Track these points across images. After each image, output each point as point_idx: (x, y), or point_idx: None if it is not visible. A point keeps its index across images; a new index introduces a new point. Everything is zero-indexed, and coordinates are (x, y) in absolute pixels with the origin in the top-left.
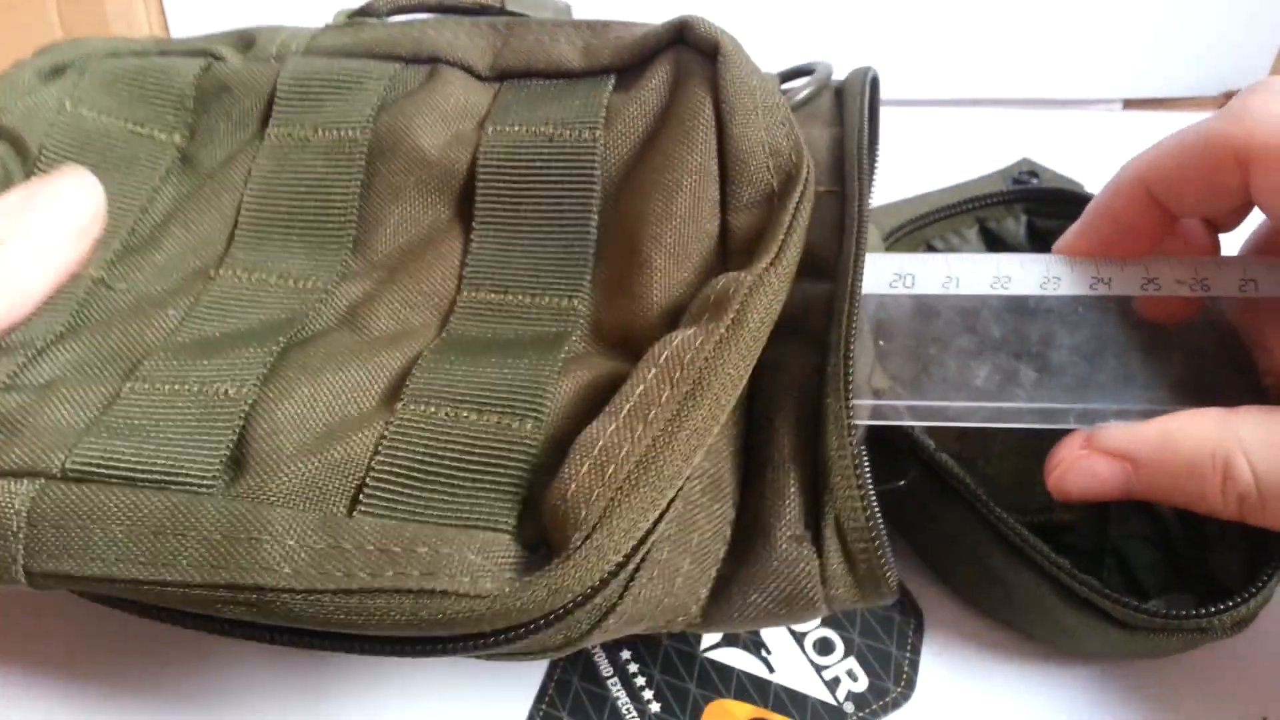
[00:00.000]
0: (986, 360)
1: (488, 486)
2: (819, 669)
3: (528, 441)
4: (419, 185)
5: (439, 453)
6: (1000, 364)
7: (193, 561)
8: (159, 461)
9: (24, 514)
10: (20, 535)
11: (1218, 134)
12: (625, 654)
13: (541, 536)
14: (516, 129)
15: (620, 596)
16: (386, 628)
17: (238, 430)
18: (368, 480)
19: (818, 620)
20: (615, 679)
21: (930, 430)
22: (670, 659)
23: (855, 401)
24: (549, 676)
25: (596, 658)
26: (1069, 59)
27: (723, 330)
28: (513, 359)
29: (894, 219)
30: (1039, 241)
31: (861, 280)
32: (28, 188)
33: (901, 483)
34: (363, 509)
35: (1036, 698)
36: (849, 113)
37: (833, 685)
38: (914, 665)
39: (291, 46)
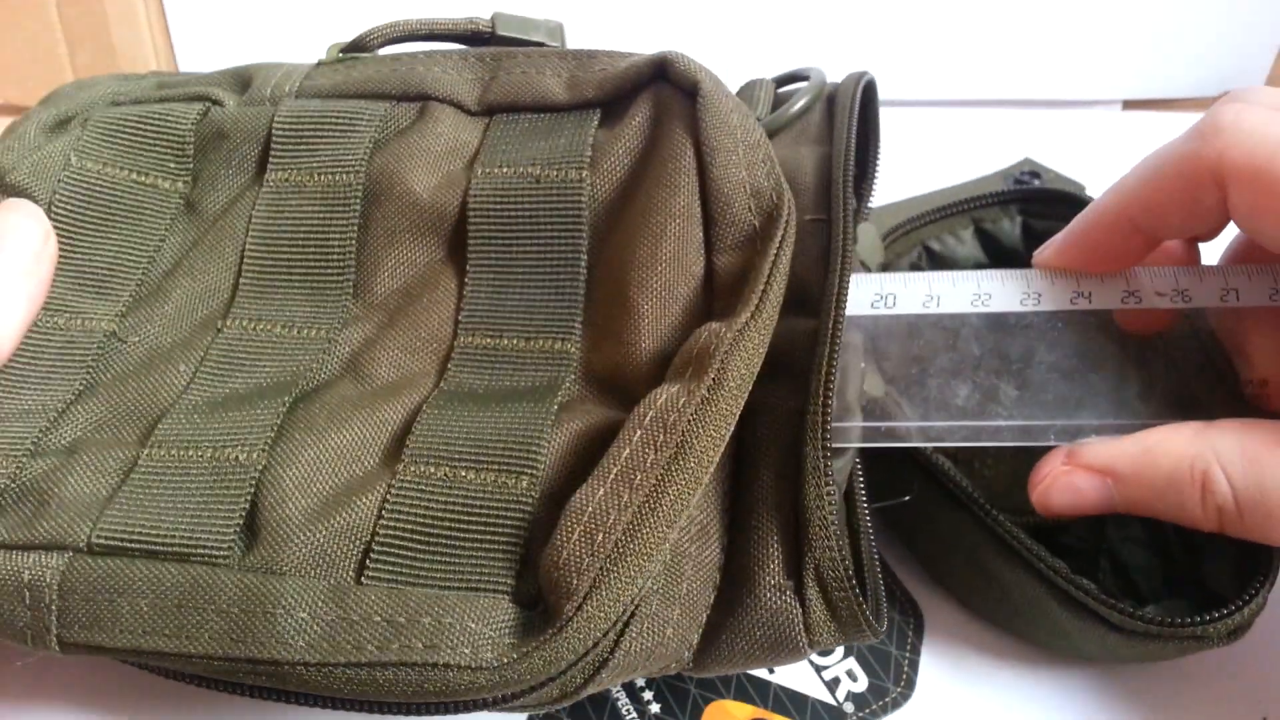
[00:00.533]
0: (967, 379)
1: (487, 547)
2: (819, 669)
3: (524, 500)
4: (413, 228)
5: (439, 514)
6: (980, 382)
7: (214, 635)
8: (178, 533)
9: (55, 586)
10: (53, 607)
11: (1191, 156)
12: None
13: (538, 594)
14: (504, 170)
15: (611, 651)
16: (394, 696)
17: (249, 498)
18: (373, 545)
19: None
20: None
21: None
22: None
23: (840, 424)
24: None
25: None
26: (1069, 59)
27: (704, 391)
28: (507, 413)
29: (894, 218)
30: (1035, 242)
31: (842, 326)
32: None
33: (906, 499)
34: (369, 575)
35: (1035, 699)
36: (837, 131)
37: (832, 685)
38: (914, 665)
39: (285, 87)
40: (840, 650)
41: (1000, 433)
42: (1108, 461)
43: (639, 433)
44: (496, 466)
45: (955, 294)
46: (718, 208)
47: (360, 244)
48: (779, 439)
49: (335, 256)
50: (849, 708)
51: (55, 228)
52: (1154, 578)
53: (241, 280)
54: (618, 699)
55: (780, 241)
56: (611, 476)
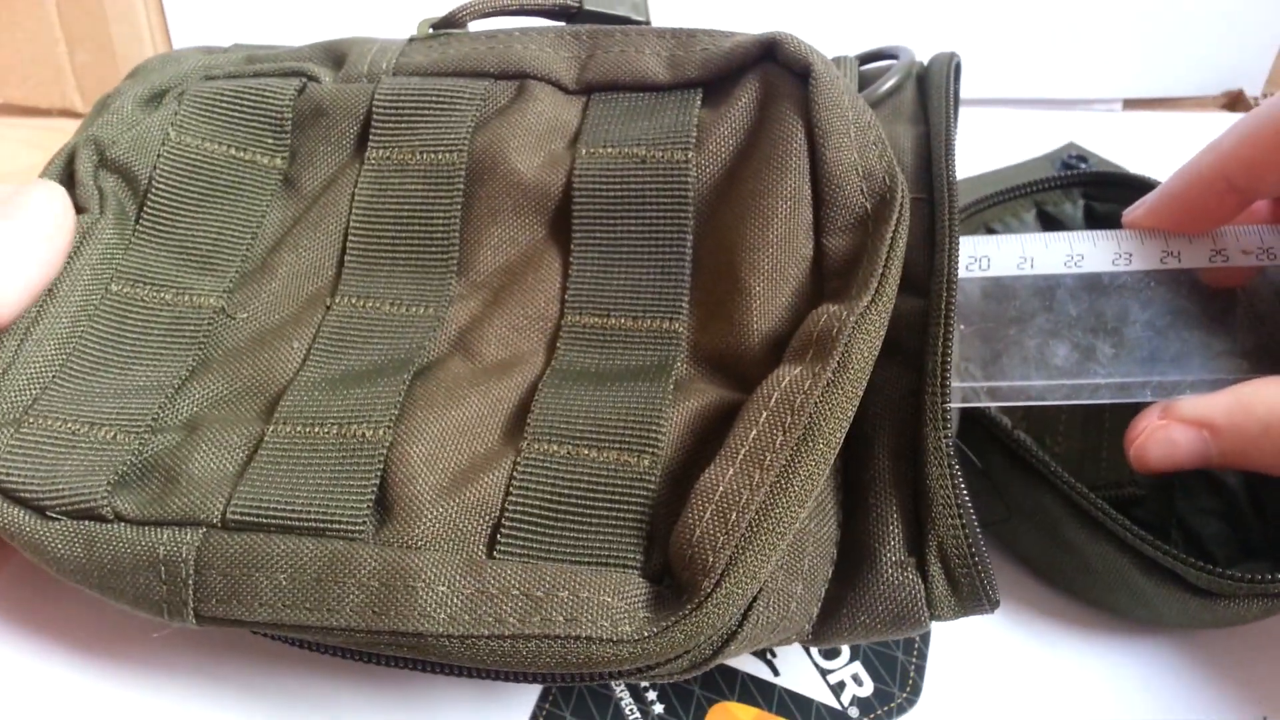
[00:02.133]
0: (1064, 338)
1: (614, 523)
2: (824, 673)
3: (646, 478)
4: (516, 207)
5: (566, 492)
6: (1078, 341)
7: (355, 608)
8: (312, 509)
9: (191, 561)
10: (190, 582)
11: None
12: None
13: (665, 569)
14: (609, 150)
15: (740, 625)
16: (536, 667)
17: (379, 475)
18: (503, 521)
19: None
20: (619, 680)
21: (1003, 410)
22: None
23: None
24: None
25: None
26: (1068, 59)
27: (829, 374)
28: (624, 392)
29: None
30: (1096, 225)
31: (955, 307)
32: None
33: (1007, 519)
34: (501, 550)
35: (1040, 706)
36: (933, 111)
37: (838, 690)
38: (919, 671)
39: (382, 64)
40: (846, 654)
41: (1099, 390)
42: (1203, 414)
43: (765, 414)
44: (618, 445)
45: (1048, 255)
46: (829, 190)
47: (464, 222)
48: (893, 417)
49: (440, 235)
50: (854, 712)
51: (157, 203)
52: (1228, 546)
53: (346, 258)
54: (621, 699)
55: (896, 224)
56: (740, 457)
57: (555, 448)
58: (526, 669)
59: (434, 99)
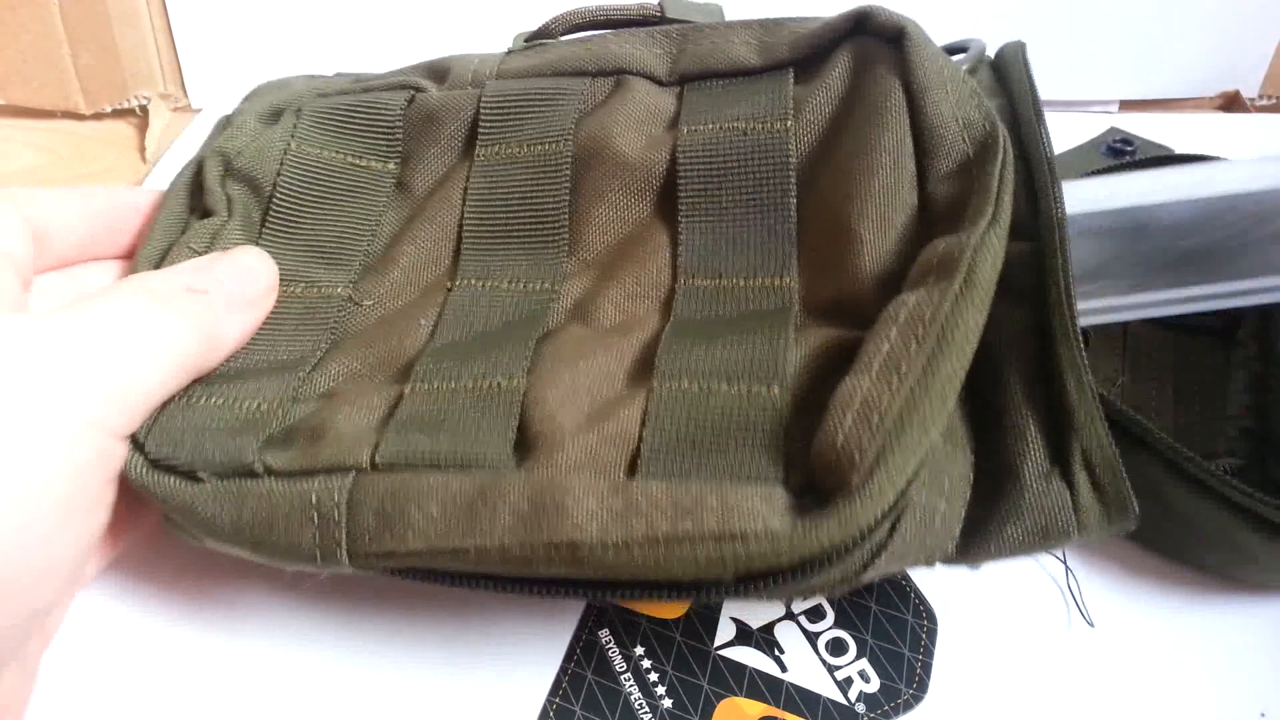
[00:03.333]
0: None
1: (751, 446)
2: (831, 669)
3: (777, 404)
4: (623, 187)
5: (701, 420)
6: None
7: (508, 528)
8: (458, 449)
9: (344, 504)
10: (342, 523)
11: None
12: (639, 649)
13: (803, 488)
14: (710, 126)
15: (889, 536)
16: (692, 572)
17: (518, 416)
18: (642, 449)
19: (831, 620)
20: (628, 674)
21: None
22: (683, 655)
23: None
24: (562, 670)
25: (610, 652)
26: (1065, 60)
27: (956, 289)
28: (747, 334)
29: None
30: None
31: (1068, 236)
32: (212, 256)
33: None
34: (642, 474)
35: (1046, 703)
36: (1014, 82)
37: (845, 685)
38: (926, 667)
39: (485, 72)
40: (853, 650)
41: (1232, 295)
42: None
43: (894, 329)
44: (747, 379)
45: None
46: (931, 141)
47: (572, 205)
48: (1019, 348)
49: (549, 219)
50: (861, 708)
51: (281, 207)
52: None
53: (463, 245)
54: (630, 693)
55: (1002, 162)
56: (876, 368)
57: (686, 384)
58: (681, 575)
59: (538, 97)
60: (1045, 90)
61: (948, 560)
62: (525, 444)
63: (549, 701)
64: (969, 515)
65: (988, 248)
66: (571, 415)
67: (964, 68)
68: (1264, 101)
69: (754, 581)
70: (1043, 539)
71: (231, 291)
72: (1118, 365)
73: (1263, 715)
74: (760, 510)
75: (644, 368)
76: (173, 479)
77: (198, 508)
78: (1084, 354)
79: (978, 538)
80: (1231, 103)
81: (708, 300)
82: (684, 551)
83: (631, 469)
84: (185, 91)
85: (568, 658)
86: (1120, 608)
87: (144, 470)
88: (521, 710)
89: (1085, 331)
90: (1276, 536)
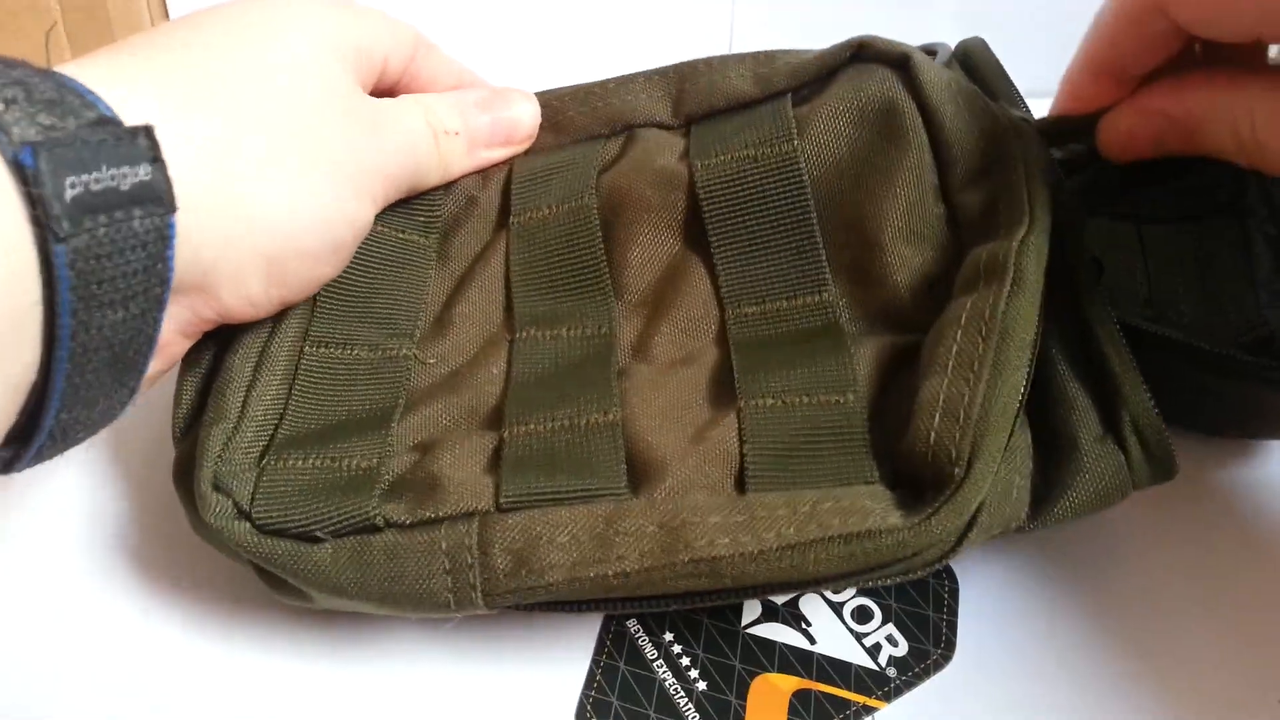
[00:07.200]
0: None
1: (843, 451)
2: (859, 637)
3: (854, 409)
4: (652, 228)
5: (793, 432)
6: None
7: (642, 552)
8: (576, 484)
9: (475, 547)
10: (475, 566)
11: None
12: (668, 635)
13: (895, 482)
14: (721, 158)
15: (977, 513)
16: (828, 572)
17: (623, 448)
18: (746, 465)
19: (853, 590)
20: (660, 660)
21: (1115, 302)
22: (713, 637)
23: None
24: (595, 663)
25: (640, 641)
26: (1063, 61)
27: (1008, 288)
28: (809, 349)
29: None
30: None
31: (1084, 226)
32: (487, 98)
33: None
34: (751, 488)
35: (1069, 653)
36: (985, 61)
37: (874, 652)
38: (952, 627)
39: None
40: (879, 616)
41: None
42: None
43: (958, 330)
44: (823, 389)
45: None
46: (950, 155)
47: (608, 253)
48: (1058, 331)
49: (589, 265)
50: (891, 672)
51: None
52: None
53: (514, 302)
54: (664, 679)
55: (1027, 162)
56: (950, 368)
57: (769, 401)
58: (815, 576)
59: (559, 165)
60: (1045, 90)
61: (1020, 528)
62: (635, 472)
63: (585, 695)
64: (1035, 485)
65: (1029, 249)
66: (670, 442)
67: (940, 63)
68: None
69: (880, 569)
70: (1103, 500)
71: (476, 137)
72: (1140, 265)
73: None
74: (874, 509)
75: (719, 393)
76: (286, 543)
77: (320, 568)
78: (1119, 330)
79: (1045, 505)
80: None
81: (758, 324)
82: (818, 553)
83: (740, 484)
84: None
85: (598, 650)
86: (1148, 577)
87: (253, 538)
88: (559, 705)
89: (1096, 259)
90: None
